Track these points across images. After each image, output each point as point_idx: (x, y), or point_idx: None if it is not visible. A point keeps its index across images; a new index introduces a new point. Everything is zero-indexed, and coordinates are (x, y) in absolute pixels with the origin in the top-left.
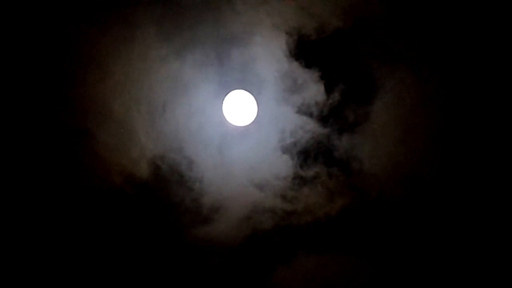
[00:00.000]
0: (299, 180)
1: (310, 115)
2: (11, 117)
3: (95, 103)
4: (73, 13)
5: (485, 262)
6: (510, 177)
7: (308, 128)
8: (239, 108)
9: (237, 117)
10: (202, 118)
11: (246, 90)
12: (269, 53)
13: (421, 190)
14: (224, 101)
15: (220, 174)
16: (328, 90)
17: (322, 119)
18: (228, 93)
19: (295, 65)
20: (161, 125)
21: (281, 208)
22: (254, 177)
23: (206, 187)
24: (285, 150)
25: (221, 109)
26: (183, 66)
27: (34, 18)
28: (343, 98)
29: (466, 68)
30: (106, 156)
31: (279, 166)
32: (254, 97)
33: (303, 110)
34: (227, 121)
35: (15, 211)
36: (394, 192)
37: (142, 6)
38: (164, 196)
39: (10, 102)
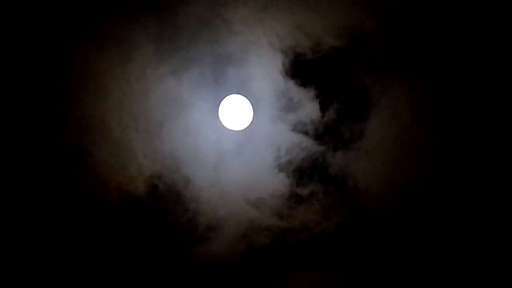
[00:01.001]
0: (295, 198)
1: (306, 133)
2: (9, 135)
3: (92, 121)
4: (71, 33)
5: (482, 276)
6: (505, 193)
7: (303, 146)
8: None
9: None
10: (199, 137)
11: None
12: (265, 72)
13: (416, 206)
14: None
15: (216, 193)
16: (323, 108)
17: (318, 137)
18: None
19: (291, 83)
20: (158, 144)
21: (277, 226)
22: (250, 196)
23: (202, 206)
24: (281, 168)
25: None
26: (180, 85)
27: (33, 37)
28: (339, 116)
29: (460, 85)
30: (103, 174)
31: (275, 184)
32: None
33: (299, 128)
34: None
35: (14, 228)
36: (390, 209)
37: (139, 26)
38: (161, 215)
39: (8, 120)
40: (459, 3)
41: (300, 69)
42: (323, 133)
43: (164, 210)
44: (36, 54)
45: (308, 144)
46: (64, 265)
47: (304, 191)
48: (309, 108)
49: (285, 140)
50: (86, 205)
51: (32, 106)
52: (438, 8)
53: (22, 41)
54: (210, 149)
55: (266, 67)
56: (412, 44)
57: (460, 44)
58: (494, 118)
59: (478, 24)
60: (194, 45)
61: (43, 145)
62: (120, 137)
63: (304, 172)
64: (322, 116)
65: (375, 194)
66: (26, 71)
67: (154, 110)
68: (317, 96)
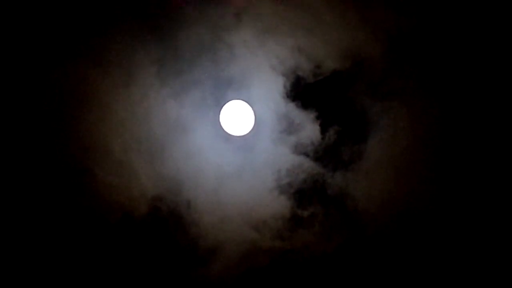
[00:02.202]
0: (295, 220)
1: (306, 154)
2: (13, 156)
3: (95, 143)
4: (75, 56)
5: None
6: (504, 212)
7: (304, 168)
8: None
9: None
10: (200, 160)
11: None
12: (266, 94)
13: (416, 227)
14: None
15: (217, 216)
16: (324, 130)
17: (318, 158)
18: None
19: (292, 106)
20: (160, 166)
21: (278, 248)
22: (251, 218)
23: (203, 229)
24: (282, 190)
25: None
26: (181, 108)
27: (37, 59)
28: (339, 137)
29: (460, 105)
30: (105, 195)
31: (276, 206)
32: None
33: (299, 150)
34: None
35: (17, 247)
36: (390, 229)
37: (142, 49)
38: (162, 237)
39: (12, 141)
40: (459, 26)
41: (301, 92)
42: (323, 155)
43: (165, 232)
44: (40, 76)
45: (308, 165)
46: (65, 285)
47: (305, 213)
48: (309, 130)
49: (286, 161)
50: (89, 225)
51: (36, 127)
52: (439, 30)
53: (26, 62)
54: (211, 171)
55: (267, 90)
56: (412, 66)
57: (459, 66)
58: (493, 139)
59: (477, 47)
60: (196, 68)
61: (46, 166)
62: (123, 158)
63: (304, 193)
64: (323, 138)
65: (375, 214)
66: (30, 93)
67: (156, 132)
68: (317, 118)
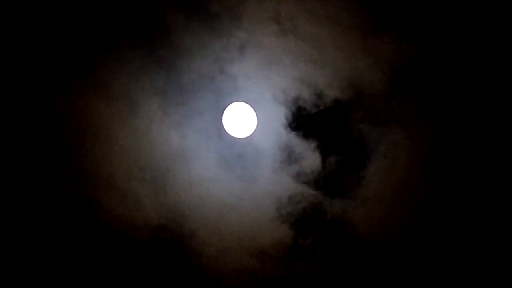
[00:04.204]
0: (297, 249)
1: (307, 183)
2: (19, 185)
3: (100, 172)
4: (79, 85)
5: None
6: (505, 240)
7: (305, 196)
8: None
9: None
10: (202, 190)
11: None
12: (268, 125)
13: (416, 253)
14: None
15: (219, 246)
16: (324, 158)
17: (319, 187)
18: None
19: (293, 136)
20: (163, 195)
21: (281, 277)
22: (253, 249)
23: (205, 259)
24: (283, 219)
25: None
26: (184, 139)
27: (41, 89)
28: (339, 165)
29: (459, 132)
30: (110, 224)
31: (277, 235)
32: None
33: (300, 179)
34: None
35: (23, 276)
36: (390, 256)
37: (146, 81)
38: (164, 266)
39: (16, 171)
40: (458, 55)
41: (302, 122)
42: (324, 183)
43: (167, 261)
44: (45, 106)
45: (309, 194)
46: None
47: (306, 241)
48: (310, 159)
49: (287, 190)
50: (93, 254)
51: (41, 156)
52: (439, 60)
53: (31, 92)
54: (214, 201)
55: (270, 121)
56: (412, 94)
57: (459, 94)
58: (493, 165)
59: (476, 75)
60: (199, 99)
61: (51, 195)
62: (127, 187)
63: (305, 222)
64: (323, 167)
65: (377, 241)
66: (35, 123)
67: (159, 162)
68: (318, 147)
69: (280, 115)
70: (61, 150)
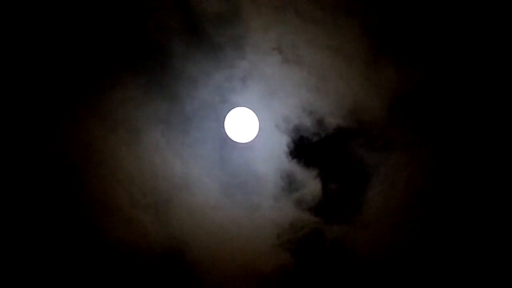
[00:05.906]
0: (298, 274)
1: (308, 210)
2: (23, 212)
3: (104, 198)
4: (84, 113)
5: None
6: (503, 266)
7: (306, 223)
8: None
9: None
10: (205, 217)
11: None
12: (270, 153)
13: (417, 277)
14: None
15: (221, 274)
16: (325, 185)
17: (319, 213)
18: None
19: (295, 163)
20: (166, 222)
21: None
22: (255, 275)
23: (208, 286)
24: (285, 246)
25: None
26: (186, 166)
27: (47, 116)
28: (339, 191)
29: (458, 157)
30: (114, 249)
31: (278, 261)
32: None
33: (301, 206)
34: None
35: None
36: (391, 280)
37: (149, 109)
38: None
39: (22, 196)
40: (458, 82)
41: (303, 150)
42: (324, 209)
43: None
44: (51, 133)
45: (310, 220)
46: None
47: (308, 266)
48: (311, 186)
49: (288, 217)
50: (98, 279)
51: (46, 182)
52: (438, 87)
53: (37, 120)
54: (215, 229)
55: (272, 149)
56: (412, 120)
57: (458, 120)
58: (492, 190)
59: (474, 101)
60: (201, 128)
61: (57, 221)
62: (131, 213)
63: (306, 247)
64: (324, 193)
65: (376, 265)
66: (41, 150)
67: (162, 190)
68: (319, 174)
69: (281, 144)
70: (67, 177)
